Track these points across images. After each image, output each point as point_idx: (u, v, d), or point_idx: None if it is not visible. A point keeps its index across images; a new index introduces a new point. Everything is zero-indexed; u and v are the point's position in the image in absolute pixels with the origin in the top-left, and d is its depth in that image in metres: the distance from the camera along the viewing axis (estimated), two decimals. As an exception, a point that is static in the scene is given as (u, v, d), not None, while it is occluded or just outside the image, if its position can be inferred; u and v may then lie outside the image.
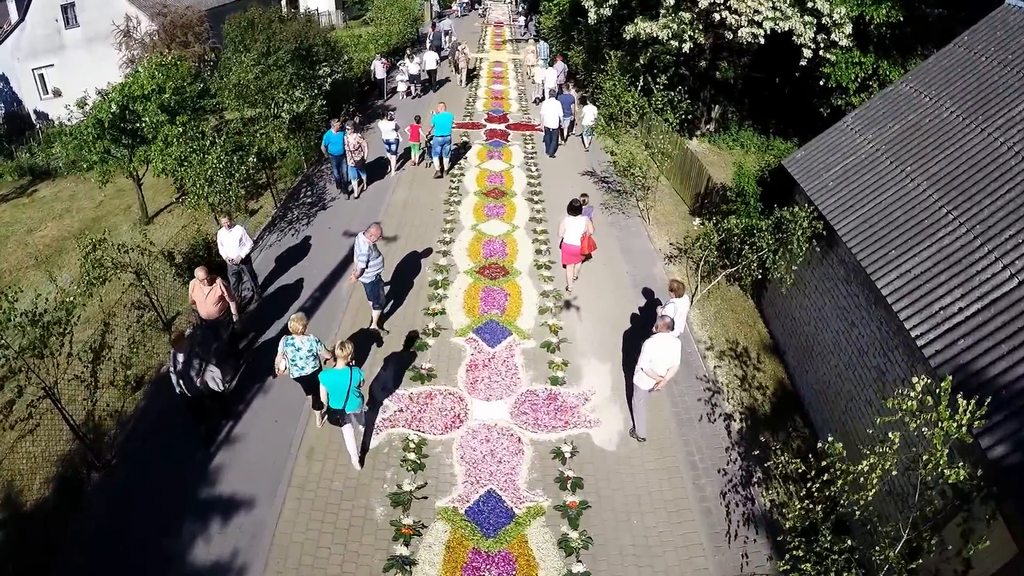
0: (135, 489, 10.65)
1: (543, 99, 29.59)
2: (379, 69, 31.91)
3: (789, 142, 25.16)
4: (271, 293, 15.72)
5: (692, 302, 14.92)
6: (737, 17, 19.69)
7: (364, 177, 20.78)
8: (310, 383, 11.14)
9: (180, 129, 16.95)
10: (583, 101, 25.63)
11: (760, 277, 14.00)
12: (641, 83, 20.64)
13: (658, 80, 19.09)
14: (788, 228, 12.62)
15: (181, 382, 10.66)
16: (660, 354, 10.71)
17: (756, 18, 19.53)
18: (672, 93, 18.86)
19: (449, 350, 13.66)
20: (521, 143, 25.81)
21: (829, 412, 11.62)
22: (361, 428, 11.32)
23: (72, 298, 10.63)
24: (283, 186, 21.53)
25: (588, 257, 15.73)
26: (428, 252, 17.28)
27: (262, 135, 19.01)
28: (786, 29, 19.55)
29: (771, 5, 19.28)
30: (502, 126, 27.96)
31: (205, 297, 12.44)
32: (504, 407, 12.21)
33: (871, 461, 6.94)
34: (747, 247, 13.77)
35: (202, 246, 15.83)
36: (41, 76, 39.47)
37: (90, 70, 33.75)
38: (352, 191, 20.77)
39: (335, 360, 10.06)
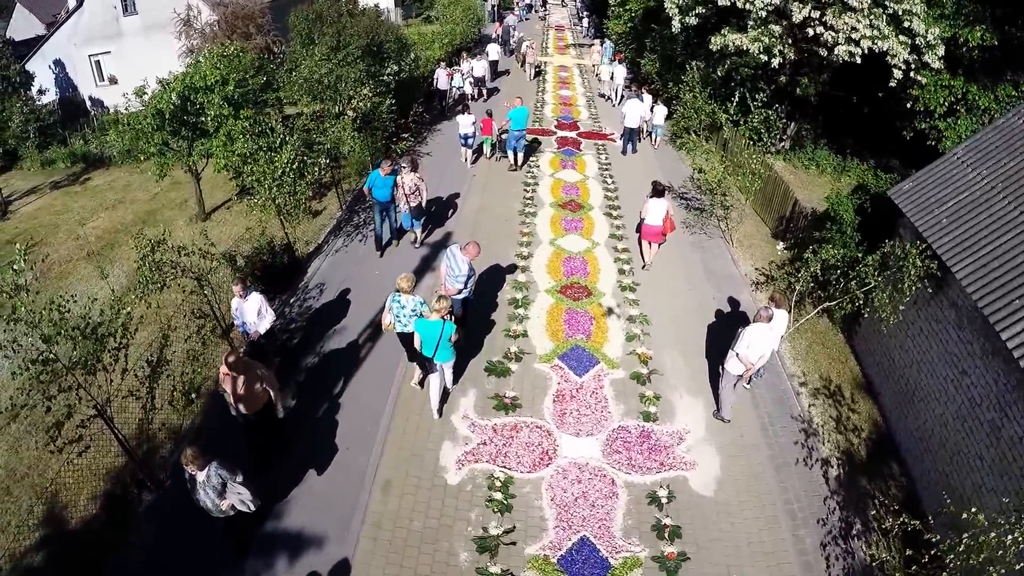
0: (189, 514, 9.50)
1: (608, 96, 32.67)
2: (442, 79, 28.93)
3: (865, 164, 24.18)
4: (335, 303, 14.92)
5: (783, 336, 14.00)
6: (834, 34, 18.61)
7: (419, 226, 17.14)
8: (411, 338, 11.40)
9: (245, 124, 16.04)
10: (654, 102, 25.57)
11: (855, 312, 13.05)
12: (736, 99, 19.57)
13: (756, 97, 18.14)
14: (898, 265, 11.71)
15: (199, 501, 8.46)
16: (758, 341, 10.89)
17: (853, 36, 18.45)
18: (770, 112, 17.88)
19: (534, 377, 12.73)
20: (594, 152, 24.80)
21: (931, 463, 10.78)
22: (450, 376, 11.87)
23: (129, 309, 9.75)
24: (347, 186, 20.81)
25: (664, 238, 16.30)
26: (506, 267, 16.32)
27: (333, 132, 18.11)
28: (884, 49, 18.46)
29: (868, 23, 18.19)
30: (573, 134, 26.97)
31: (239, 388, 9.64)
32: (595, 444, 11.27)
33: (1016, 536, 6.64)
34: (853, 282, 12.81)
35: (266, 249, 15.01)
36: (97, 63, 39.12)
37: (147, 59, 33.33)
38: (389, 244, 17.31)
39: (431, 312, 10.88)
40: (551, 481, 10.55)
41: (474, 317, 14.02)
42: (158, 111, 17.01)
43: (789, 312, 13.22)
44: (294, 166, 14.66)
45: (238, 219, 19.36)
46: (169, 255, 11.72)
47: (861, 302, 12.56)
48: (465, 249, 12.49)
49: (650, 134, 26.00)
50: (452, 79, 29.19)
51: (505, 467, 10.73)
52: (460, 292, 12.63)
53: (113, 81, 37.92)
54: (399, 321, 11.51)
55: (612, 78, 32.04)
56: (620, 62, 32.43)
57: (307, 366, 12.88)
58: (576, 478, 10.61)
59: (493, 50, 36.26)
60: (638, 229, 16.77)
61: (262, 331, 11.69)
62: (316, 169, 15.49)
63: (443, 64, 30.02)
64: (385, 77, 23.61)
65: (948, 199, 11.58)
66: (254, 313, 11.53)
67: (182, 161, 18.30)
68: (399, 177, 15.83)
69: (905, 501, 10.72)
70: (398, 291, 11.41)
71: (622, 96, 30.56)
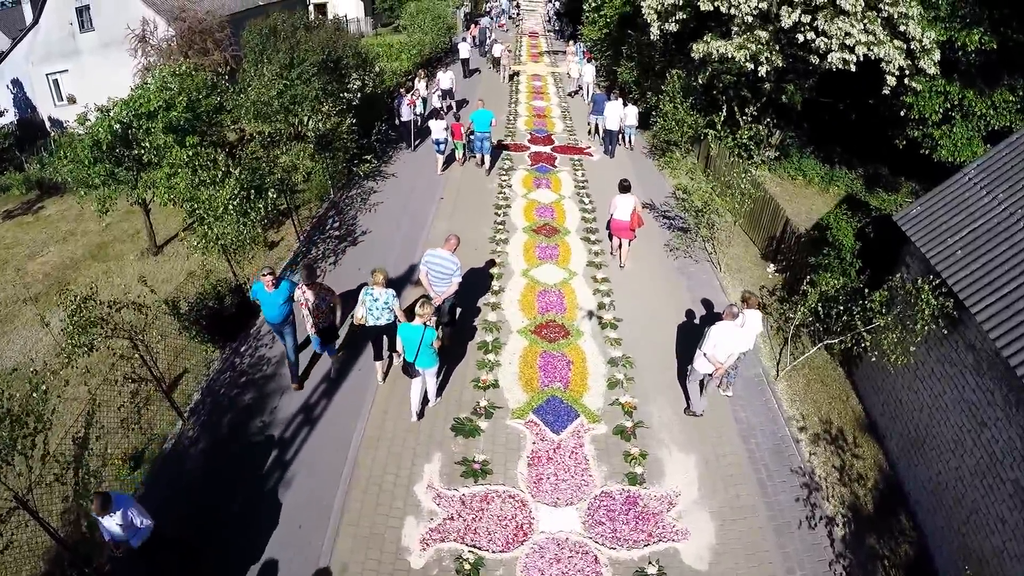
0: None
1: (578, 92, 33.92)
2: (405, 110, 24.64)
3: (854, 172, 23.28)
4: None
5: (779, 373, 13.13)
6: (827, 40, 17.44)
7: (336, 353, 12.79)
8: (380, 335, 11.84)
9: (189, 153, 14.65)
10: (624, 103, 25.26)
11: (860, 350, 11.97)
12: (724, 113, 18.32)
13: (746, 111, 16.94)
14: (908, 302, 10.62)
15: None
16: (724, 340, 10.79)
17: (847, 42, 17.29)
18: (760, 127, 16.67)
19: (506, 436, 11.42)
20: (570, 169, 23.53)
21: (944, 519, 9.73)
22: (432, 385, 11.62)
23: (45, 388, 8.50)
24: (307, 213, 19.52)
25: (635, 234, 16.41)
26: (475, 304, 14.98)
27: (285, 159, 16.72)
28: (880, 56, 17.31)
29: (862, 28, 17.01)
30: (547, 148, 25.69)
31: None
32: (575, 515, 10.01)
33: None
34: (858, 320, 11.68)
35: (212, 295, 13.69)
36: (56, 81, 37.84)
37: (106, 76, 32.06)
38: (310, 369, 13.02)
39: (413, 317, 10.59)
40: (527, 561, 9.31)
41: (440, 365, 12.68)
42: (95, 142, 15.60)
43: (779, 354, 12.21)
44: (235, 203, 13.30)
45: (191, 254, 18.03)
46: (98, 311, 10.46)
47: (867, 343, 11.39)
48: (447, 243, 12.45)
49: (622, 134, 25.66)
50: (415, 107, 25.65)
51: (475, 546, 9.47)
52: (456, 292, 12.56)
53: (72, 100, 36.54)
54: (371, 314, 11.48)
55: (581, 76, 33.13)
56: (589, 61, 33.75)
57: (258, 428, 11.58)
58: (555, 557, 9.38)
59: (464, 49, 37.67)
60: (608, 226, 16.90)
61: (135, 545, 8.41)
62: (261, 207, 14.00)
63: (404, 90, 25.88)
64: (346, 94, 22.30)
65: (962, 227, 10.42)
66: (119, 527, 8.17)
67: (127, 193, 16.89)
68: (299, 291, 11.69)
69: (917, 558, 9.81)
70: (370, 285, 11.46)
71: (592, 94, 30.13)
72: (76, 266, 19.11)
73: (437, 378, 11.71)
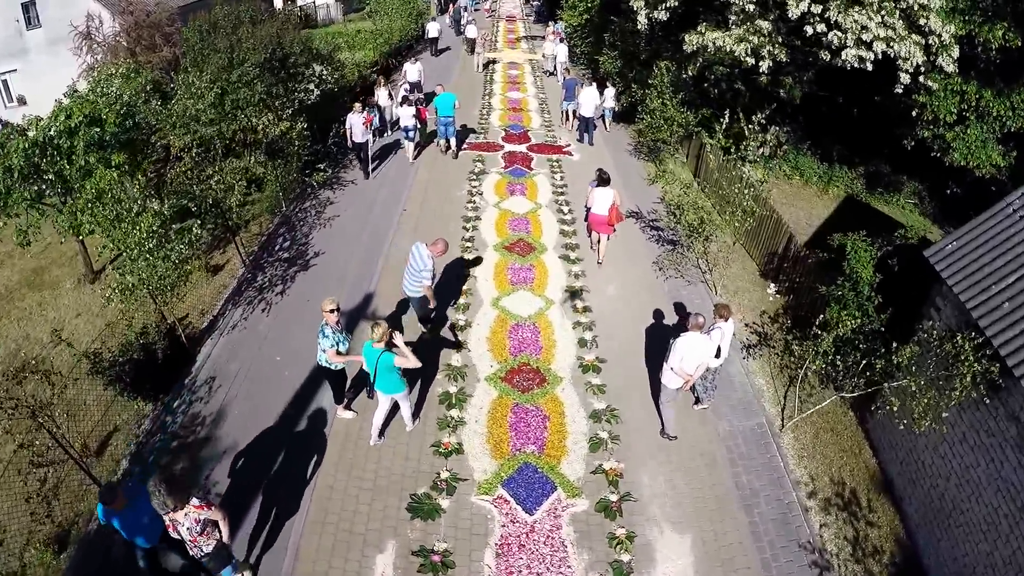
0: None
1: (554, 73, 33.42)
2: (358, 130, 20.23)
3: (853, 171, 21.85)
4: (227, 406, 11.76)
5: (784, 425, 11.61)
6: (841, 35, 15.73)
7: (237, 572, 8.61)
8: (328, 374, 10.83)
9: (115, 174, 12.84)
10: (602, 88, 25.09)
11: (887, 411, 10.34)
12: (726, 119, 16.55)
13: (753, 118, 15.25)
14: (946, 361, 9.01)
15: None
16: (691, 352, 10.19)
17: (864, 37, 15.59)
18: (767, 135, 15.02)
19: (471, 517, 9.65)
20: (548, 171, 21.65)
21: None
22: (407, 407, 10.85)
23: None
24: (257, 229, 17.75)
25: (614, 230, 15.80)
26: (437, 346, 13.16)
27: (217, 182, 14.76)
28: (900, 53, 15.63)
29: (880, 21, 15.29)
30: (523, 147, 23.82)
31: None
32: (551, 622, 8.41)
33: None
34: (879, 375, 10.18)
35: (137, 347, 11.89)
36: (4, 82, 35.78)
37: (55, 75, 29.95)
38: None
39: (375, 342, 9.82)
40: None
41: (395, 427, 11.12)
42: (7, 168, 13.69)
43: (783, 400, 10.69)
44: (152, 244, 11.50)
45: (107, 302, 16.33)
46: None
47: (892, 406, 9.74)
48: (433, 245, 11.99)
49: (602, 117, 25.58)
50: (371, 125, 21.26)
51: (432, 668, 7.89)
52: (417, 292, 12.25)
53: (22, 102, 34.64)
54: (321, 349, 10.42)
55: (556, 56, 33.00)
56: (562, 41, 34.49)
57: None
58: None
59: (433, 28, 38.21)
60: (586, 218, 15.99)
61: None
62: (182, 247, 12.13)
63: (357, 107, 20.58)
64: (298, 94, 20.46)
65: (1006, 270, 8.76)
66: None
67: (55, 219, 15.04)
68: (170, 517, 7.53)
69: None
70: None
71: (564, 79, 28.93)
72: (11, 296, 17.28)
73: (410, 402, 10.95)
